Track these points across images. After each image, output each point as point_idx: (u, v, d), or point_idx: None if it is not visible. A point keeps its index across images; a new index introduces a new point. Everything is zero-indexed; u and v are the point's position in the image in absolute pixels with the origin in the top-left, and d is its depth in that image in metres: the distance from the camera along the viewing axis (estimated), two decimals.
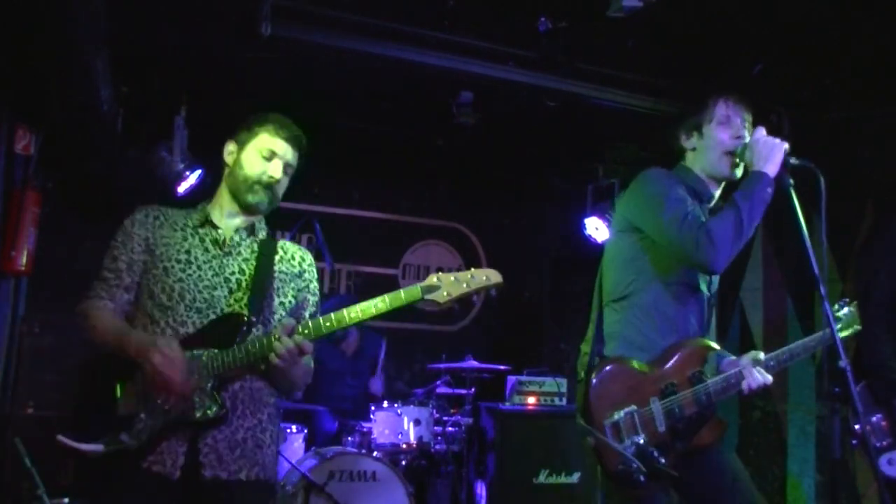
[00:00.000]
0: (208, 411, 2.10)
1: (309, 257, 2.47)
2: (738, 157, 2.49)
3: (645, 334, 2.47)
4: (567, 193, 6.47)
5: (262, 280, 2.28)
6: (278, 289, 2.34)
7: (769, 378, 2.40)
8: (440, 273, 2.15)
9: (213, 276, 2.27)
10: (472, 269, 2.16)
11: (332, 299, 5.43)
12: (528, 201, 6.85)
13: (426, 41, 4.01)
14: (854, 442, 3.11)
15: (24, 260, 4.28)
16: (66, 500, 4.00)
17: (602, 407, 2.38)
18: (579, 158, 5.89)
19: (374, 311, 2.12)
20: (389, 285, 6.43)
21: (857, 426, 3.01)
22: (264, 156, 2.31)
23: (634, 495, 2.38)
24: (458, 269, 2.19)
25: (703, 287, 2.55)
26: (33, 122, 4.33)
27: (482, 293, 2.16)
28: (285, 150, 2.33)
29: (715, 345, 2.52)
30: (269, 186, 2.31)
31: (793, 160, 2.34)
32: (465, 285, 2.12)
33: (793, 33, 3.85)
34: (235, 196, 2.34)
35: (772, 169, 2.35)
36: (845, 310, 2.69)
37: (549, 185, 6.70)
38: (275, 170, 2.31)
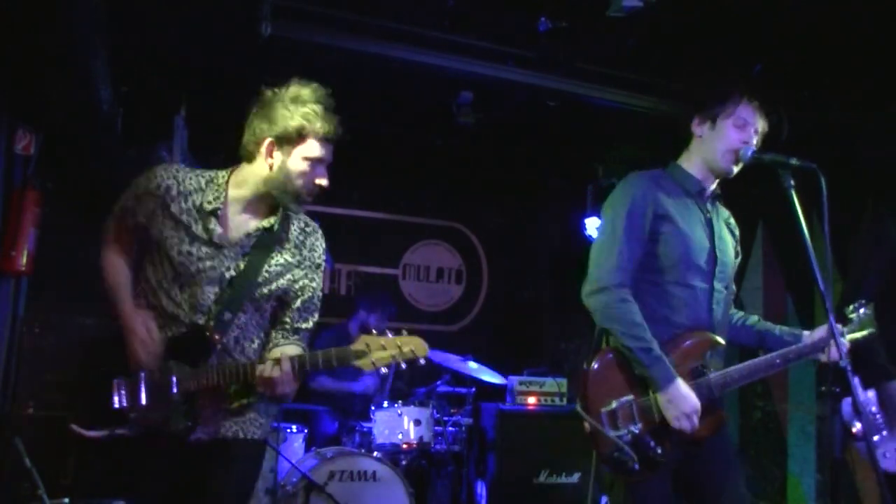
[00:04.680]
0: (179, 425, 2.22)
1: (311, 240, 2.43)
2: (740, 158, 2.52)
3: (646, 318, 2.46)
4: (567, 193, 6.47)
5: (248, 281, 2.28)
6: (264, 285, 2.32)
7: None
8: (370, 338, 2.21)
9: (208, 269, 2.27)
10: (401, 338, 2.22)
11: (330, 330, 5.34)
12: (528, 201, 6.84)
13: (426, 41, 4.00)
14: (859, 443, 3.10)
15: (24, 260, 4.28)
16: (66, 500, 4.00)
17: (600, 394, 2.40)
18: (579, 158, 5.89)
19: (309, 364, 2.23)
20: (389, 285, 6.45)
21: (854, 425, 3.01)
22: (312, 163, 2.28)
23: (630, 481, 2.39)
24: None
25: (706, 282, 2.53)
26: (33, 122, 4.33)
27: (409, 362, 2.23)
28: (329, 153, 2.32)
29: (720, 339, 2.52)
30: (317, 193, 2.31)
31: (794, 161, 2.36)
32: (391, 356, 2.19)
33: (793, 33, 3.85)
34: (275, 196, 2.29)
35: (662, 396, 2.37)
36: (861, 311, 2.66)
37: (549, 186, 6.70)
38: (323, 176, 2.30)
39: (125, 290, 2.32)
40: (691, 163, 2.64)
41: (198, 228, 2.25)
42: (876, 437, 3.03)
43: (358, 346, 2.21)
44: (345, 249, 6.02)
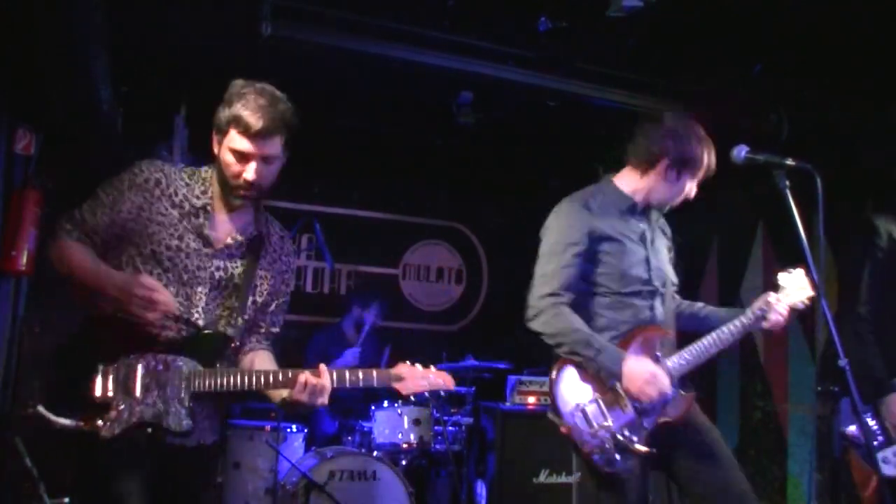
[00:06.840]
0: (182, 423, 2.12)
1: (287, 245, 2.44)
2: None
3: (596, 329, 2.61)
4: (567, 193, 6.45)
5: (246, 288, 2.26)
6: (256, 290, 2.32)
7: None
8: (408, 367, 2.38)
9: (197, 269, 2.21)
10: (433, 371, 2.42)
11: (321, 333, 5.39)
12: (528, 201, 6.82)
13: (426, 41, 4.00)
14: (858, 448, 3.09)
15: (24, 260, 4.28)
16: (67, 499, 4.00)
17: (567, 400, 2.56)
18: (579, 158, 5.89)
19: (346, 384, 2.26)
20: (389, 285, 6.45)
21: (848, 428, 3.01)
22: (236, 158, 2.19)
23: (608, 480, 2.49)
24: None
25: (647, 285, 2.68)
26: (33, 122, 4.33)
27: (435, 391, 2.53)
28: (256, 148, 2.17)
29: (668, 330, 2.69)
30: (247, 188, 2.21)
31: (790, 161, 2.35)
32: (424, 383, 2.37)
33: (793, 33, 3.85)
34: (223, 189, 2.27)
35: (622, 377, 2.49)
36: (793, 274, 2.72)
37: (549, 186, 6.69)
38: (248, 172, 2.18)
39: (104, 266, 2.16)
40: (631, 184, 2.77)
41: (188, 223, 2.21)
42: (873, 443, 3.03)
43: (398, 370, 2.36)
44: (345, 249, 6.01)
